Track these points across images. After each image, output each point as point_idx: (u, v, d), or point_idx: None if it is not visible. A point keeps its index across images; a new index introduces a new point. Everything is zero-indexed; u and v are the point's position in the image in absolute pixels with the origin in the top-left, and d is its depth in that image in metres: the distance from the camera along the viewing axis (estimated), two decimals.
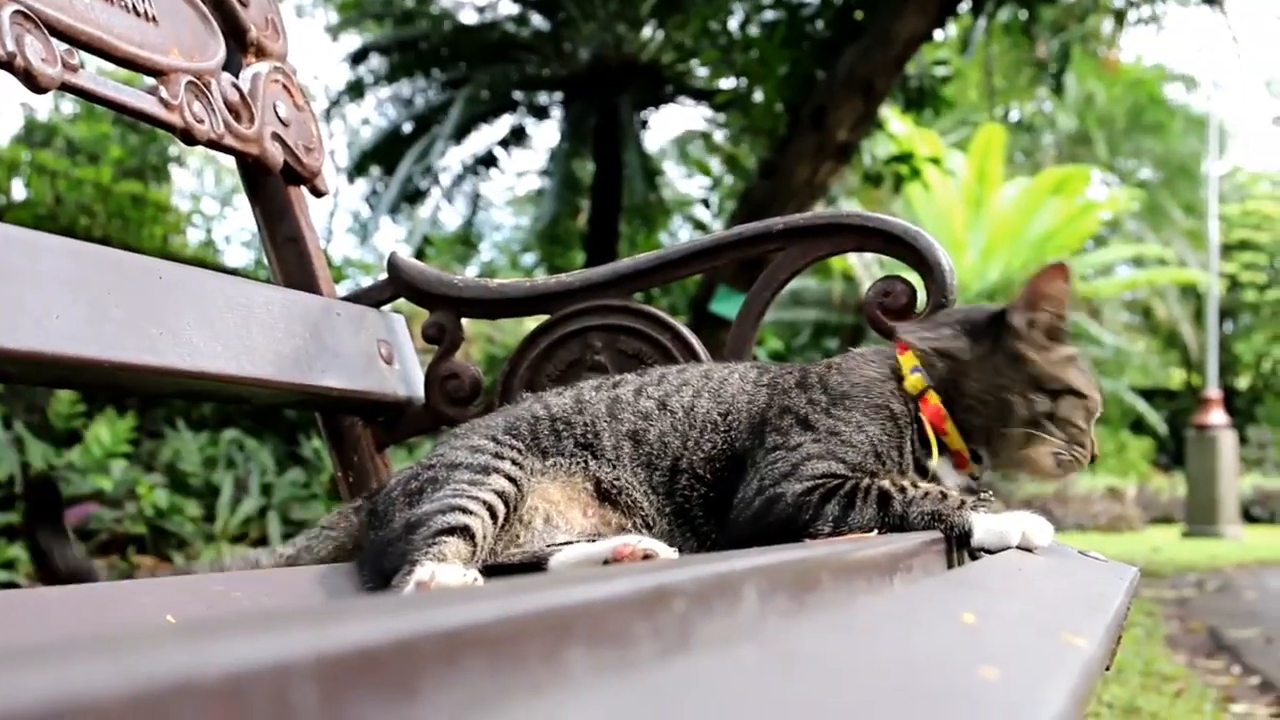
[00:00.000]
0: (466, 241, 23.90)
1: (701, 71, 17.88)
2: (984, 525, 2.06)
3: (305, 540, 2.50)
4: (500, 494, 2.18)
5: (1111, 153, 36.62)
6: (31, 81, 2.25)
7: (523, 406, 2.48)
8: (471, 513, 2.11)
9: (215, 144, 2.73)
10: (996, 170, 26.13)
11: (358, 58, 18.34)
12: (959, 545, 2.05)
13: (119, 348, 2.17)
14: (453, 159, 19.48)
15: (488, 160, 19.68)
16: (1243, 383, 38.02)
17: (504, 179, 34.43)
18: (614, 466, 2.34)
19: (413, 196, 19.28)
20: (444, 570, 1.93)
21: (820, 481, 2.16)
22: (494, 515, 2.14)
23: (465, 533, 2.08)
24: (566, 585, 0.80)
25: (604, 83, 17.90)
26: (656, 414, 2.40)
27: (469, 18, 18.95)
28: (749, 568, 1.07)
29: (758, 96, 12.69)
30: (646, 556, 1.99)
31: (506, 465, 2.25)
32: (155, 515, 8.21)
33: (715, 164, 20.96)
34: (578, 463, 2.34)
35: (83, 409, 9.24)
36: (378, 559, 2.20)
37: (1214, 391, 24.10)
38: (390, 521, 2.23)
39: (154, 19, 2.62)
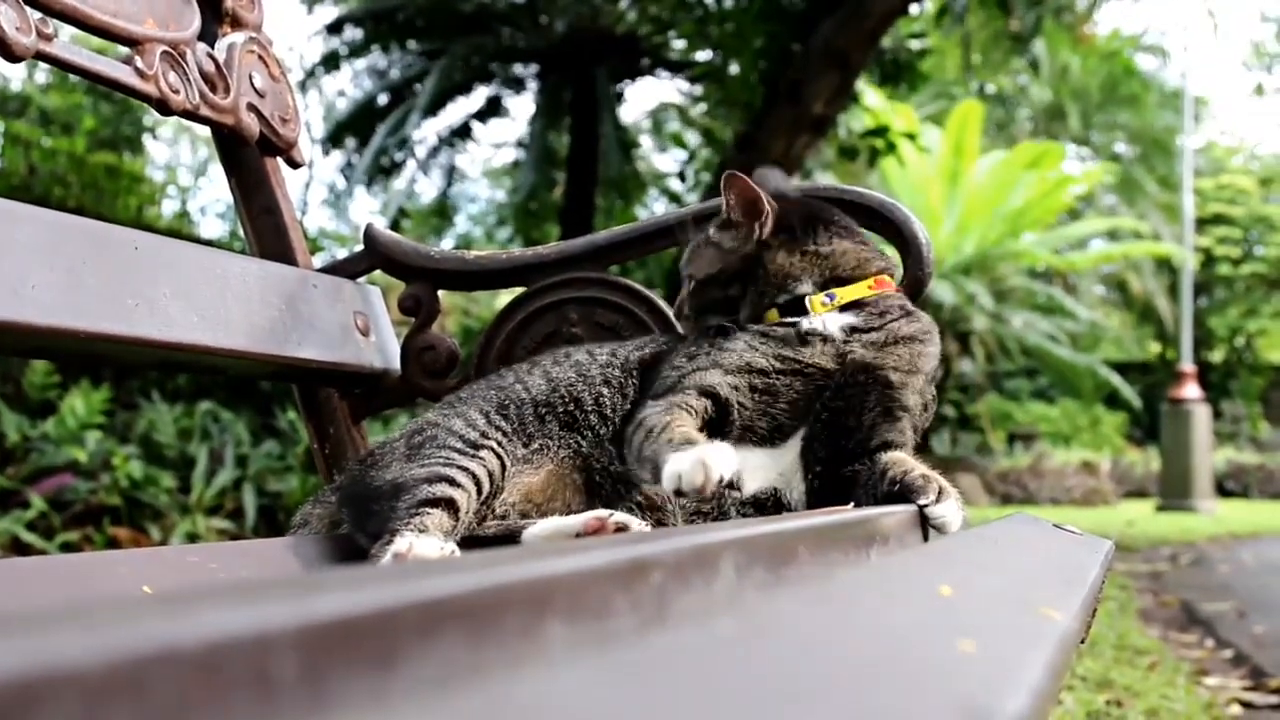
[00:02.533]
0: (442, 213, 23.84)
1: (677, 44, 17.86)
2: (669, 468, 1.94)
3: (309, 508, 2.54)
4: (489, 471, 2.20)
5: (1086, 126, 36.63)
6: (5, 50, 2.24)
7: (507, 381, 2.49)
8: (458, 485, 2.12)
9: (191, 114, 2.72)
10: (973, 144, 26.13)
11: (333, 29, 18.27)
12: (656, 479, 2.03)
13: (95, 318, 2.17)
14: (428, 131, 19.49)
15: (463, 132, 19.66)
16: (1217, 357, 38.08)
17: (480, 151, 34.39)
18: (598, 437, 2.35)
19: (388, 168, 19.27)
20: (422, 542, 1.94)
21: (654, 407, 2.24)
22: (480, 489, 2.16)
23: (449, 505, 2.09)
24: (545, 557, 0.80)
25: (580, 55, 17.89)
26: (614, 362, 2.47)
27: None
28: (726, 540, 1.07)
29: (733, 69, 12.71)
30: (619, 529, 2.00)
31: (492, 443, 2.26)
32: (130, 486, 8.19)
33: (691, 137, 20.95)
34: (569, 446, 2.35)
35: (57, 380, 9.21)
36: (362, 509, 2.22)
37: (1188, 365, 24.15)
38: (385, 468, 2.25)
39: None
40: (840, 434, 2.27)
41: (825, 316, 2.33)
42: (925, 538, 2.05)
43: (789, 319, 2.34)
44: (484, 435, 2.29)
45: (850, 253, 2.41)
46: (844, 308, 2.36)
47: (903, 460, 2.19)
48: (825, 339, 2.29)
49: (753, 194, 2.37)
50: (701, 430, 2.16)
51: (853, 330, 2.32)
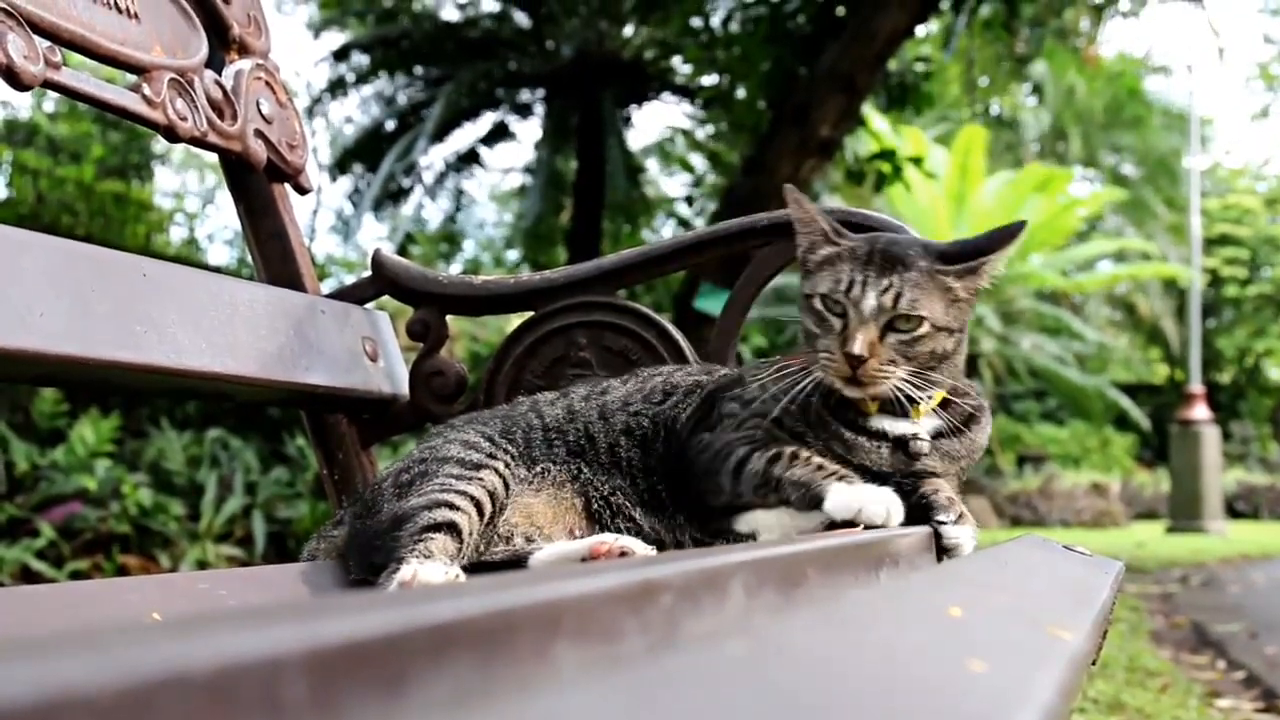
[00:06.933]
0: (450, 238, 23.92)
1: (684, 68, 17.92)
2: (837, 497, 2.00)
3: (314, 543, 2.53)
4: (490, 492, 2.19)
5: (1093, 148, 36.63)
6: (13, 79, 2.24)
7: (518, 412, 2.50)
8: (459, 509, 2.12)
9: (198, 141, 2.73)
10: (978, 167, 26.15)
11: (340, 55, 18.35)
12: (811, 505, 2.05)
13: (103, 345, 2.17)
14: (435, 156, 19.57)
15: (470, 157, 19.71)
16: (1225, 377, 38.02)
17: (487, 176, 34.42)
18: (608, 474, 2.34)
19: (396, 194, 19.33)
20: (426, 568, 1.94)
21: (746, 434, 2.21)
22: (481, 512, 2.15)
23: (452, 529, 2.09)
24: (554, 581, 0.80)
25: (586, 80, 17.94)
26: (642, 406, 2.42)
27: (451, 15, 19.00)
28: (736, 562, 1.07)
29: (740, 93, 12.71)
30: (623, 554, 2.00)
31: (499, 464, 2.26)
32: (139, 514, 8.20)
33: (698, 161, 20.98)
34: (569, 471, 2.35)
35: (66, 408, 9.22)
36: (365, 551, 2.22)
37: (1197, 386, 24.12)
38: (378, 513, 2.24)
39: (136, 16, 2.62)
40: None
41: (923, 421, 2.22)
42: (938, 560, 2.04)
43: (888, 418, 2.21)
44: (490, 455, 2.28)
45: None
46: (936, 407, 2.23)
47: (938, 484, 2.17)
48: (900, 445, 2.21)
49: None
50: None
51: (937, 435, 2.22)
